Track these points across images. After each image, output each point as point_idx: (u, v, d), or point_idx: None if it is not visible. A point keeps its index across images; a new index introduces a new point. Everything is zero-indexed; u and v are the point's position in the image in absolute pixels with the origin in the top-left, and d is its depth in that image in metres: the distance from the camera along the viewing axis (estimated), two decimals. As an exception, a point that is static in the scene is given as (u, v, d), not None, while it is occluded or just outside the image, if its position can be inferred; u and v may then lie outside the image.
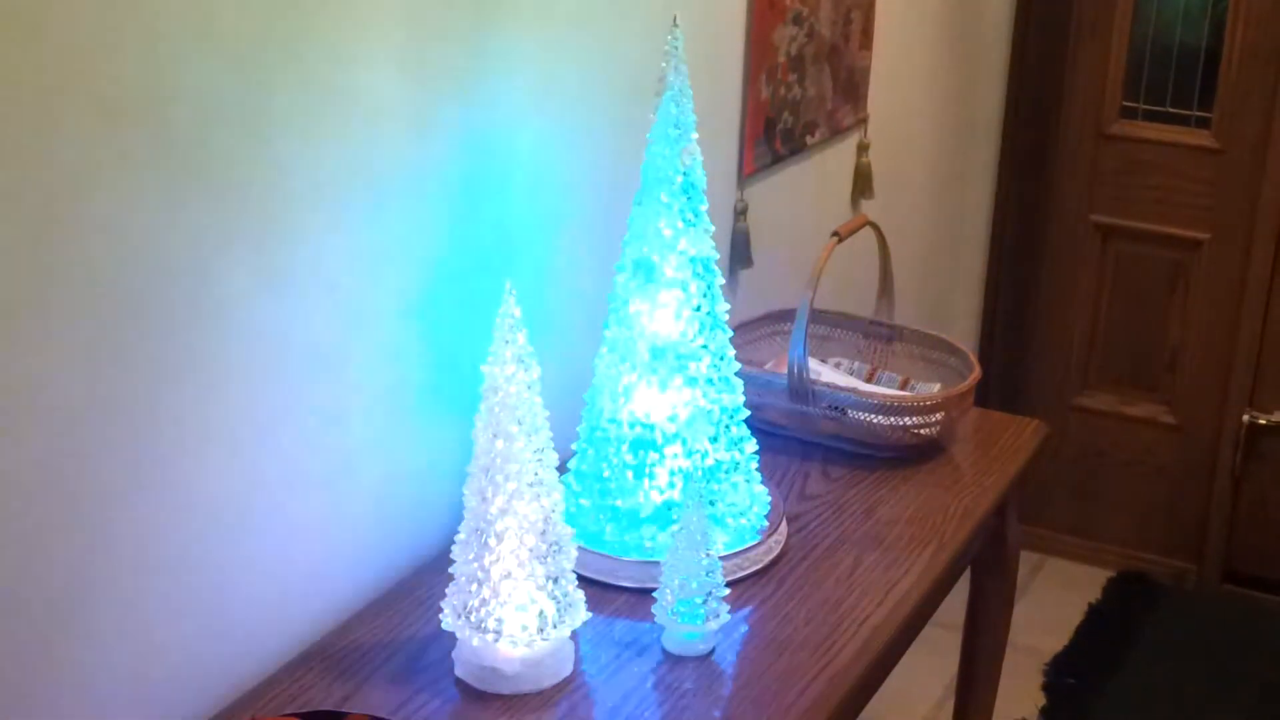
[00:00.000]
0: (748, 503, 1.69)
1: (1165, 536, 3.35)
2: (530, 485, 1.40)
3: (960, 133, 3.16)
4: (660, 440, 1.62)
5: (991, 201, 3.33)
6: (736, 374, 1.66)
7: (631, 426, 1.63)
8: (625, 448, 1.63)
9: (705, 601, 1.50)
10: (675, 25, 1.54)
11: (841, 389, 1.94)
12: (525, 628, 1.43)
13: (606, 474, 1.65)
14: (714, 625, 1.51)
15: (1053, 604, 3.19)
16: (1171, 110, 3.14)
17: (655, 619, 1.53)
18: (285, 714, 1.40)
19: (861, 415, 1.91)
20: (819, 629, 1.57)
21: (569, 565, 1.45)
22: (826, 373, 2.06)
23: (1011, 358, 3.42)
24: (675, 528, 1.52)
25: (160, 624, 1.37)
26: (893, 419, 1.91)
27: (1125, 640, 3.05)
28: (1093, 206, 3.25)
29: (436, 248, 1.61)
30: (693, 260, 1.60)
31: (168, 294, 1.30)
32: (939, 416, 1.93)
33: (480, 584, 1.42)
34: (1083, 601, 3.19)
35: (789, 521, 1.76)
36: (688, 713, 1.44)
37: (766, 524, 1.70)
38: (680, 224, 1.58)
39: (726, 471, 1.66)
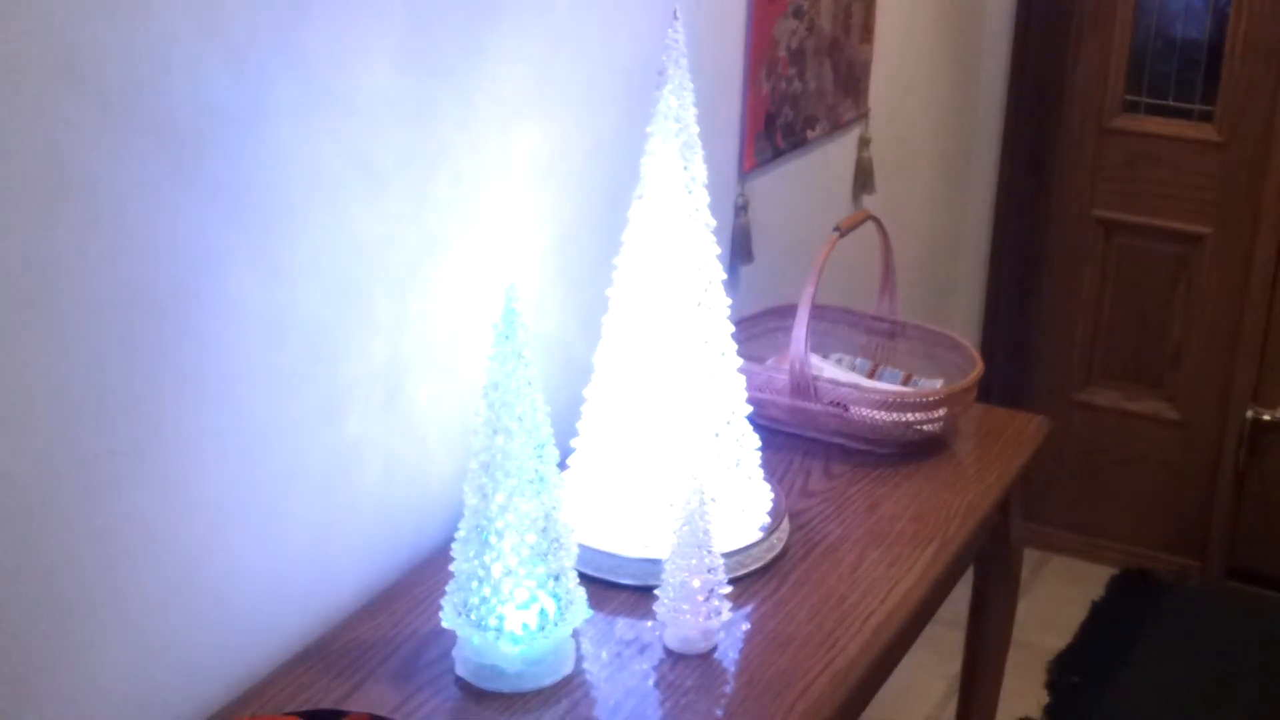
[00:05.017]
0: (749, 499, 1.68)
1: (1168, 533, 3.35)
2: (530, 482, 1.39)
3: (962, 127, 3.16)
4: (661, 436, 1.61)
5: (993, 196, 3.32)
6: (738, 370, 1.65)
7: (632, 422, 1.62)
8: (626, 444, 1.62)
9: (707, 599, 1.49)
10: (675, 18, 1.53)
11: (844, 385, 1.93)
12: (526, 625, 1.42)
13: (607, 470, 1.64)
14: (716, 623, 1.51)
15: (1056, 601, 3.18)
16: (1174, 104, 3.13)
17: (657, 616, 1.52)
18: (285, 713, 1.39)
19: (864, 411, 1.90)
20: (821, 627, 1.56)
21: (570, 562, 1.45)
22: (828, 369, 2.05)
23: (1014, 353, 3.41)
24: (677, 525, 1.51)
25: (158, 622, 1.37)
26: (895, 415, 1.90)
27: (1129, 637, 3.04)
28: (1095, 201, 3.24)
29: (435, 243, 1.61)
30: (693, 255, 1.59)
31: (166, 287, 1.29)
32: (942, 412, 1.92)
33: (481, 581, 1.41)
34: (1086, 599, 3.18)
35: (791, 518, 1.75)
36: (689, 711, 1.43)
37: (768, 521, 1.69)
38: (680, 219, 1.57)
39: (728, 468, 1.65)
